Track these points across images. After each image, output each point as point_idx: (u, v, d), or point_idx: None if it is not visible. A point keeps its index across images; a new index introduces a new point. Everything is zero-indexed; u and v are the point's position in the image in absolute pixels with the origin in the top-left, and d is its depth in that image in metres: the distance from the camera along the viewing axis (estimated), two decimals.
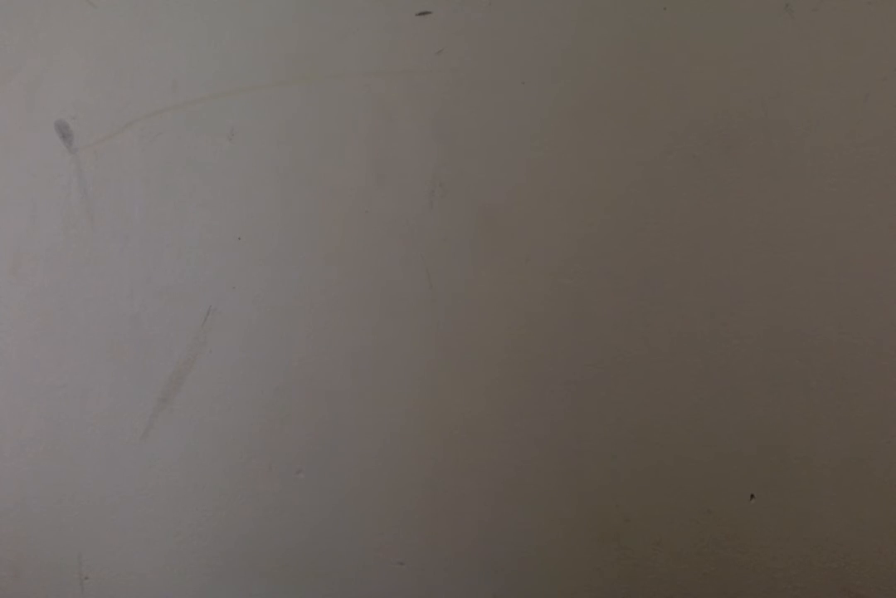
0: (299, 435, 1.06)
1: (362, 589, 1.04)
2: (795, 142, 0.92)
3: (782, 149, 0.92)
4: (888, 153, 0.90)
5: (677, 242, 0.95)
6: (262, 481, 1.07)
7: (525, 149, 1.00)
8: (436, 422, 1.01)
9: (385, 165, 1.04)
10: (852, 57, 0.91)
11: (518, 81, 1.00)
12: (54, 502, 1.13)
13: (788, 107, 0.93)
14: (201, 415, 1.09)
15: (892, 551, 0.89)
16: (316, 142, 1.06)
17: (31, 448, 1.14)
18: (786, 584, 0.91)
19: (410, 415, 1.02)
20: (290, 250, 1.06)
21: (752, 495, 0.93)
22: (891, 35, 0.90)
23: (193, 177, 1.10)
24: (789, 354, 0.92)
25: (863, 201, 0.90)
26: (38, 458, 1.14)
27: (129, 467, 1.11)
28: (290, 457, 1.06)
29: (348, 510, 1.04)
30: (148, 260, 1.11)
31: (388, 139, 1.04)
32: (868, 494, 0.89)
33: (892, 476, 0.89)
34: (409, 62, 1.03)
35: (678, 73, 0.96)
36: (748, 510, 0.93)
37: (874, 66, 0.90)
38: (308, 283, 1.06)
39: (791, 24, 0.93)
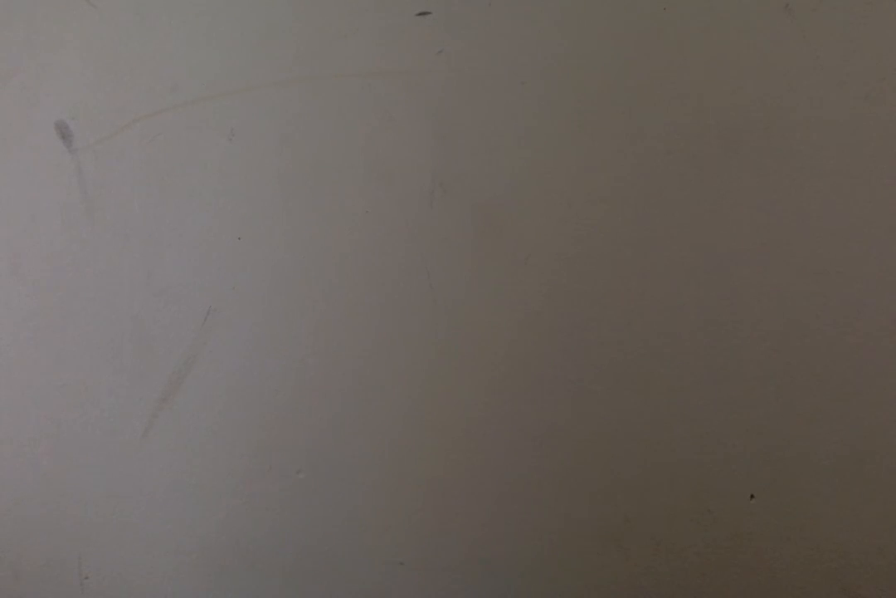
0: (299, 435, 1.06)
1: (362, 589, 1.04)
2: (795, 142, 0.92)
3: (782, 149, 0.93)
4: (888, 153, 0.90)
5: (677, 242, 0.95)
6: (262, 481, 1.07)
7: (525, 149, 1.00)
8: (436, 422, 1.01)
9: (385, 165, 1.04)
10: (852, 57, 0.91)
11: (518, 81, 1.00)
12: (54, 502, 1.13)
13: (788, 107, 0.93)
14: (201, 415, 1.09)
15: (892, 551, 0.89)
16: (316, 142, 1.06)
17: (31, 448, 1.14)
18: (786, 584, 0.91)
19: (410, 415, 1.02)
20: (290, 250, 1.06)
21: (752, 495, 0.93)
22: (891, 35, 0.90)
23: (193, 177, 1.10)
24: (789, 354, 0.92)
25: (863, 201, 0.90)
26: (38, 458, 1.14)
27: (129, 467, 1.11)
28: (290, 457, 1.06)
29: (348, 510, 1.04)
30: (148, 260, 1.11)
31: (388, 139, 1.04)
32: (868, 494, 0.89)
33: (892, 476, 0.89)
34: (409, 62, 1.03)
35: (678, 74, 0.96)
36: (748, 510, 0.93)
37: (874, 66, 0.90)
38: (308, 283, 1.06)
39: (791, 24, 0.93)
